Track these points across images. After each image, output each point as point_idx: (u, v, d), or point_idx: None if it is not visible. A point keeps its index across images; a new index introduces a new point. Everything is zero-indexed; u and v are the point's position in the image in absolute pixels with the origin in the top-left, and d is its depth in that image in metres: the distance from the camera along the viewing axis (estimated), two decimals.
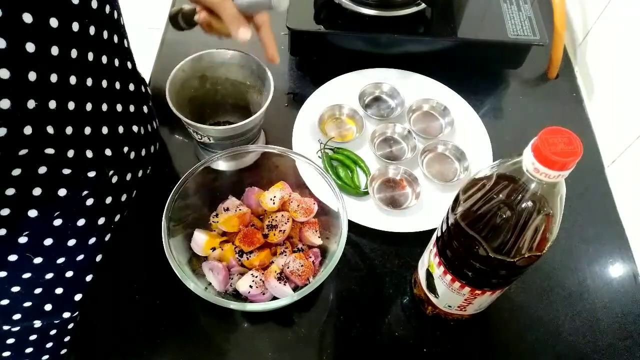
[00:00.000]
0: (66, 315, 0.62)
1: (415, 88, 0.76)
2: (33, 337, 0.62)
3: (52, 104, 0.45)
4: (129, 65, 0.58)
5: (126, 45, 0.56)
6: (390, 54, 0.79)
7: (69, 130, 0.48)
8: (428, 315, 0.57)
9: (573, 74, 0.83)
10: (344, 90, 0.75)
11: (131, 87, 0.58)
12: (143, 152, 0.64)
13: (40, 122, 0.44)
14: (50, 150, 0.47)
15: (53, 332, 0.63)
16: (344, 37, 0.76)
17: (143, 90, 0.63)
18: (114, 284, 0.60)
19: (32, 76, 0.42)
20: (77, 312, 0.62)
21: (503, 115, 0.78)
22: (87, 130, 0.51)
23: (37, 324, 0.61)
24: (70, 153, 0.50)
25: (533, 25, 0.75)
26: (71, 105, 0.47)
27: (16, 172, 0.45)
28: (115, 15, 0.52)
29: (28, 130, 0.43)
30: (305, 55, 0.82)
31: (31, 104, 0.42)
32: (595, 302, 0.60)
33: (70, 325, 0.64)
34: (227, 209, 0.59)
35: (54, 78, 0.44)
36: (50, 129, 0.46)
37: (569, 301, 0.60)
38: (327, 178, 0.56)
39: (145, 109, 0.63)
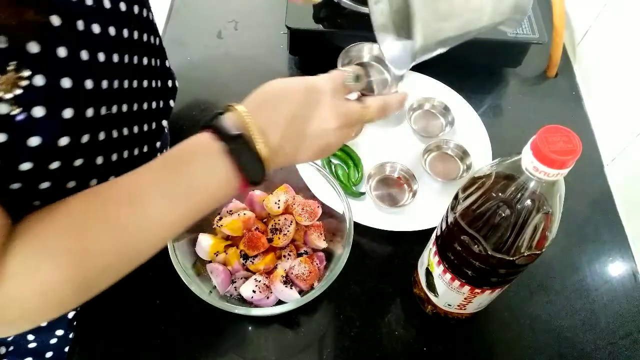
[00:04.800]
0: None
1: (415, 87, 0.76)
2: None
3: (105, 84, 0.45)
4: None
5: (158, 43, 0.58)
6: None
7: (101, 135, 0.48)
8: (428, 314, 0.57)
9: (572, 72, 0.83)
10: None
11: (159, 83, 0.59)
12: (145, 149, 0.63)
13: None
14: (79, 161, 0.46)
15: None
16: (343, 36, 0.76)
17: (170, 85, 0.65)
18: (113, 284, 0.60)
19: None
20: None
21: (502, 113, 0.78)
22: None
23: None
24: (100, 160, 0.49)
25: (532, 24, 0.75)
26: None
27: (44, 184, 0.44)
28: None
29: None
30: (305, 55, 0.82)
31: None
32: (595, 300, 0.60)
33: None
34: (231, 212, 0.59)
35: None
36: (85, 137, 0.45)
37: (568, 300, 0.60)
38: (332, 182, 0.56)
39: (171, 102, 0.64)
